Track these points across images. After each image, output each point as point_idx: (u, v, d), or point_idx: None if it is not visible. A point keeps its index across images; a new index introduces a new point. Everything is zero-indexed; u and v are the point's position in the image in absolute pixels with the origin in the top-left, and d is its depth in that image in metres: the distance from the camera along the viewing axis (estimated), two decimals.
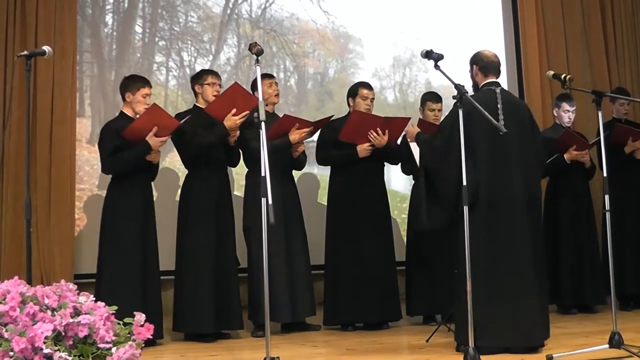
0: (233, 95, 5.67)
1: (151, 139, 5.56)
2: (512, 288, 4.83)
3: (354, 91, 6.45)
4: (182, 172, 6.21)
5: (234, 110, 5.71)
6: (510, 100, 5.20)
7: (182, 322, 5.78)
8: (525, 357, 4.72)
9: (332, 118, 6.31)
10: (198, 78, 6.13)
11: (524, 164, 5.00)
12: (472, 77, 5.32)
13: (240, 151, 6.20)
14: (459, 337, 4.89)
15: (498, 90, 5.13)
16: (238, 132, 5.94)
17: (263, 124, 4.38)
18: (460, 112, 4.58)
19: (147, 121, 5.53)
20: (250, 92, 6.15)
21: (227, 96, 5.70)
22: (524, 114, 5.21)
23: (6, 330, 2.88)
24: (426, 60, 4.92)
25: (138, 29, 8.06)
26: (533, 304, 4.88)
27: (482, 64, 5.24)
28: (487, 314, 4.73)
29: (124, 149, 5.60)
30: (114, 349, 2.99)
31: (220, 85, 6.10)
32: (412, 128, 5.72)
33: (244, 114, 5.75)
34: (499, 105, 5.04)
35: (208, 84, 6.03)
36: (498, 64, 5.27)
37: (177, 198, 6.18)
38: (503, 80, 7.48)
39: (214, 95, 5.97)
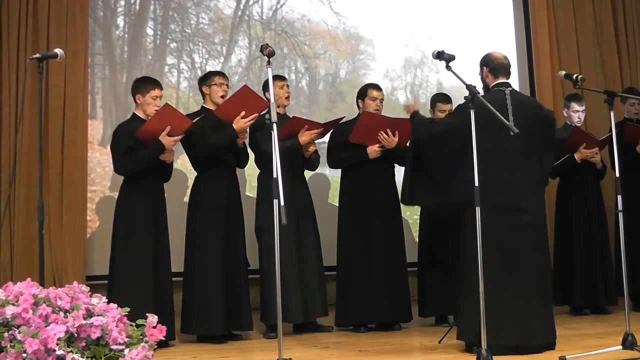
0: (242, 97, 5.68)
1: (164, 139, 5.58)
2: (519, 288, 4.83)
3: (363, 93, 6.46)
4: (192, 173, 6.22)
5: (243, 113, 5.73)
6: (521, 100, 5.19)
7: (191, 324, 5.79)
8: (537, 357, 4.72)
9: (343, 120, 6.31)
10: (205, 79, 6.14)
11: (530, 164, 5.00)
12: (482, 79, 5.32)
13: (251, 153, 6.21)
14: (463, 336, 4.91)
15: (507, 91, 5.13)
16: (247, 134, 5.95)
17: (275, 125, 4.39)
18: (472, 113, 4.57)
19: (159, 121, 5.55)
20: (261, 93, 6.18)
21: (237, 98, 5.71)
22: (534, 113, 5.19)
23: (19, 332, 2.88)
24: (437, 61, 4.92)
25: (149, 31, 8.08)
26: (540, 305, 4.88)
27: (492, 65, 5.24)
28: (495, 314, 4.72)
29: (136, 149, 5.62)
30: (126, 351, 3.00)
31: (227, 85, 6.11)
32: (413, 104, 5.65)
33: (252, 116, 5.76)
34: (508, 106, 5.04)
35: (215, 85, 6.04)
36: (508, 65, 5.27)
37: (187, 199, 6.19)
38: (514, 81, 7.47)
39: (222, 96, 5.99)
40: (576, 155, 6.71)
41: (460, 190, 4.78)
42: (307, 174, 6.53)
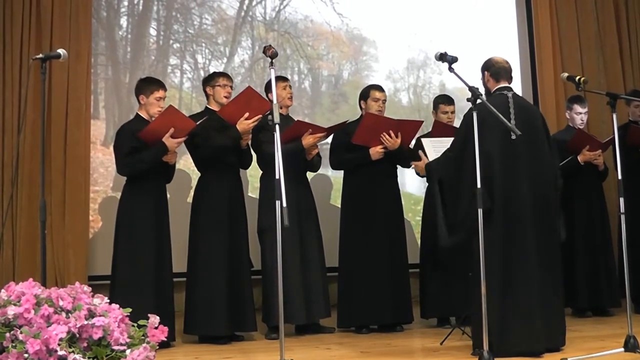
0: (246, 99, 5.68)
1: (167, 140, 5.58)
2: (527, 293, 4.82)
3: (365, 94, 6.46)
4: (195, 174, 6.22)
5: (246, 114, 5.73)
6: (523, 105, 5.19)
7: (194, 325, 5.78)
8: (538, 359, 4.72)
9: (346, 123, 6.31)
10: (209, 80, 6.15)
11: (535, 168, 5.00)
12: (484, 83, 5.31)
13: (254, 154, 6.22)
14: (477, 341, 4.88)
15: (510, 95, 5.13)
16: (250, 136, 5.95)
17: (277, 127, 4.40)
18: (475, 115, 4.57)
19: (163, 122, 5.55)
20: (264, 94, 6.19)
21: (240, 100, 5.71)
22: (536, 118, 5.20)
23: (21, 332, 2.89)
24: (440, 62, 4.92)
25: (152, 32, 8.08)
26: (548, 309, 4.87)
27: (494, 70, 5.23)
28: (502, 317, 4.73)
29: (140, 150, 5.62)
30: (128, 351, 3.00)
31: (231, 87, 6.12)
32: (421, 162, 5.69)
33: (256, 117, 5.77)
34: (511, 110, 5.04)
35: (219, 86, 6.04)
36: (509, 70, 5.27)
37: (190, 200, 6.18)
38: (517, 83, 7.48)
39: (225, 97, 6.00)
40: (579, 158, 6.70)
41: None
42: (310, 174, 6.53)
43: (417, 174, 6.39)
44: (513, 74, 5.32)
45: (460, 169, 4.95)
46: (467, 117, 4.85)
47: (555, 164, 5.31)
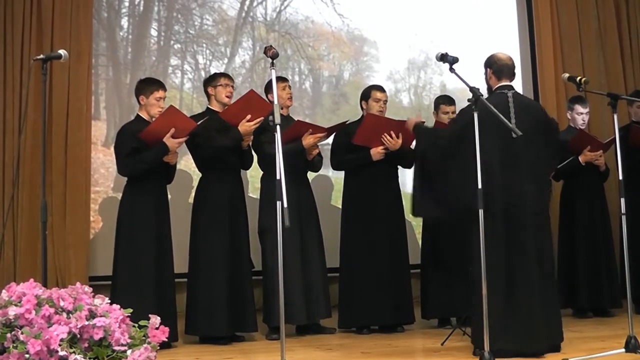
0: (248, 101, 5.69)
1: (168, 140, 5.57)
2: (527, 293, 4.82)
3: (366, 94, 6.46)
4: (197, 174, 6.22)
5: (248, 116, 5.74)
6: (523, 103, 5.18)
7: (195, 325, 5.78)
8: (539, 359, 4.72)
9: (347, 123, 6.32)
10: (211, 80, 6.15)
11: (534, 167, 4.99)
12: (486, 80, 5.30)
13: (255, 154, 6.22)
14: (476, 341, 4.88)
15: (510, 94, 5.12)
16: (251, 137, 5.96)
17: (278, 127, 4.40)
18: (476, 115, 4.57)
19: (164, 123, 5.55)
20: (264, 94, 6.19)
21: (243, 102, 5.72)
22: (537, 116, 5.19)
23: (22, 333, 2.89)
24: (441, 63, 4.92)
25: (153, 32, 8.08)
26: (548, 309, 4.87)
27: (496, 67, 5.22)
28: (502, 318, 4.73)
29: (141, 150, 5.62)
30: (129, 352, 3.00)
31: (233, 87, 6.12)
32: (415, 118, 5.69)
33: (258, 120, 5.77)
34: (510, 109, 5.03)
35: (221, 86, 6.05)
36: (512, 67, 5.25)
37: (191, 200, 6.18)
38: (518, 83, 7.48)
39: (227, 97, 6.01)
40: (581, 158, 6.69)
41: (463, 196, 4.79)
42: (310, 175, 6.53)
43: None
44: (515, 74, 5.31)
45: (454, 160, 4.95)
46: (465, 112, 4.86)
47: (554, 163, 5.33)
